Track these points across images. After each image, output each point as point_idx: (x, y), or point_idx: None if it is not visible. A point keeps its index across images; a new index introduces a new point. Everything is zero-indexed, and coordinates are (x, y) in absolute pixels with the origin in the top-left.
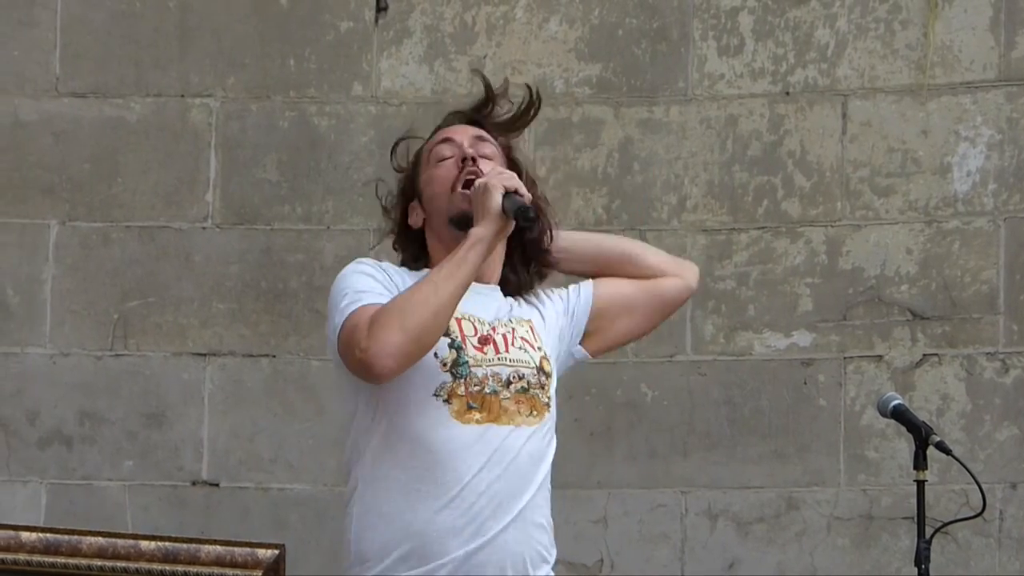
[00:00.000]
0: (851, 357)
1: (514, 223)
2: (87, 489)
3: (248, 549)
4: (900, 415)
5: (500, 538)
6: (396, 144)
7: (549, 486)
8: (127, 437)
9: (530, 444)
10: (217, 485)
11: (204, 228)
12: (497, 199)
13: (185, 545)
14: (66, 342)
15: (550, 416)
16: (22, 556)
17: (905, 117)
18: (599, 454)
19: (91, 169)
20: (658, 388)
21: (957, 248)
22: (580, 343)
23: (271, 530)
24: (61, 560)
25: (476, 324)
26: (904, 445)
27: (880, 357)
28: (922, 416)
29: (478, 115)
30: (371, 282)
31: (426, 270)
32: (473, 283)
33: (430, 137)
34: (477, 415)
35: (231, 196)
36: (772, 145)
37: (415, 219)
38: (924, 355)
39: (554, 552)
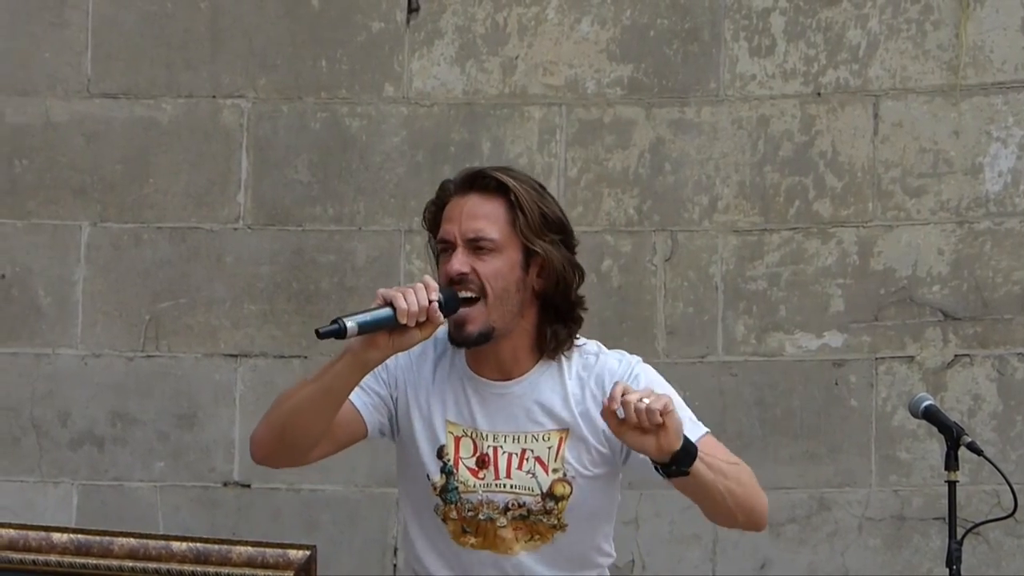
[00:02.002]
0: (883, 358)
1: (374, 335)
2: (118, 490)
3: (279, 550)
4: (931, 416)
5: None
6: (426, 210)
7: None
8: (158, 438)
9: (541, 566)
10: (248, 486)
11: (235, 229)
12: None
13: (216, 546)
14: (97, 343)
15: (567, 534)
16: (53, 557)
17: (937, 118)
18: None
19: (122, 170)
20: (689, 389)
21: (989, 249)
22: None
23: (302, 531)
24: (92, 561)
25: (477, 440)
26: (936, 446)
27: (912, 358)
28: (954, 417)
29: (470, 184)
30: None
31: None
32: (495, 382)
33: (435, 206)
34: (472, 539)
35: (262, 197)
36: (803, 146)
37: None
38: (956, 356)
39: None
